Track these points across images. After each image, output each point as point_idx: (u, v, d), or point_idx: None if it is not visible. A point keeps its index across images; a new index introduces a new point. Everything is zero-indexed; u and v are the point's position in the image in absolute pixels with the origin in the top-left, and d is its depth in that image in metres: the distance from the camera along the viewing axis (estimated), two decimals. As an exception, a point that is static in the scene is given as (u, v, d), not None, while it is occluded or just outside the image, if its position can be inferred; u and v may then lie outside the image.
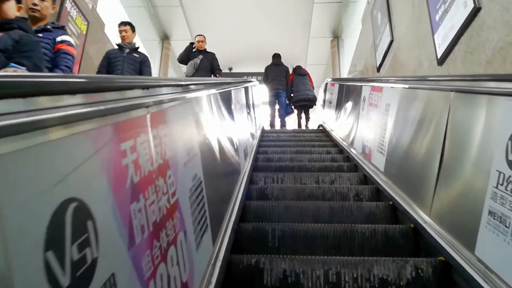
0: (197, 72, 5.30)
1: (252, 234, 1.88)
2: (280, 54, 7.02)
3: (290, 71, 7.01)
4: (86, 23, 4.72)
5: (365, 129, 3.21)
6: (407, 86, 2.31)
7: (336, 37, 9.06)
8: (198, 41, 5.64)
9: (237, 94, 3.16)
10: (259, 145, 4.24)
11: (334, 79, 5.79)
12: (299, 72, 6.91)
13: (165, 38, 8.90)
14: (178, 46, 9.09)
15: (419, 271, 1.49)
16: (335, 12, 8.13)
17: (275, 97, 6.83)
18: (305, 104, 6.76)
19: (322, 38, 9.16)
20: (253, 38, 9.24)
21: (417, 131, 2.00)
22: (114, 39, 5.95)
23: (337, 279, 1.48)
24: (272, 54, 7.02)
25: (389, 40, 3.98)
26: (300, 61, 10.44)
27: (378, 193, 2.53)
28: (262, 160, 3.52)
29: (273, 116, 6.95)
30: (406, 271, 1.49)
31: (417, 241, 1.83)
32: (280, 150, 4.00)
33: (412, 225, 1.87)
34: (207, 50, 5.64)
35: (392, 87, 2.61)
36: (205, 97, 1.72)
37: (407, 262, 1.51)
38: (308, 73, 6.96)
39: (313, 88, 6.90)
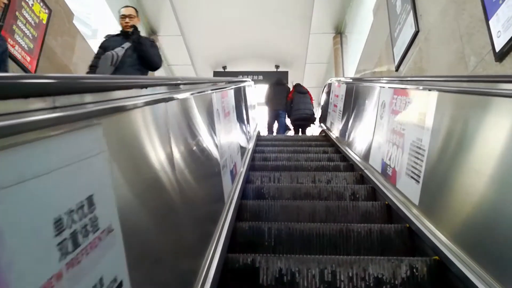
0: (118, 70, 2.99)
1: (248, 233, 1.86)
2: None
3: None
4: (47, 11, 3.95)
5: (386, 143, 2.49)
6: (458, 89, 1.61)
7: (339, 33, 8.37)
8: (123, 16, 3.18)
9: (223, 99, 2.43)
10: (254, 151, 3.83)
11: (341, 79, 5.06)
12: (300, 90, 6.76)
13: (152, 33, 8.16)
14: (167, 42, 8.38)
15: (414, 270, 1.47)
16: (339, 5, 7.50)
17: (275, 118, 6.74)
18: (304, 123, 6.67)
19: (323, 34, 8.51)
20: (249, 34, 8.63)
21: (479, 156, 1.32)
22: (84, 31, 5.22)
23: (333, 278, 1.47)
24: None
25: (413, 32, 3.24)
26: (299, 59, 9.80)
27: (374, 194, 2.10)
28: (259, 159, 3.52)
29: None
30: (401, 270, 1.48)
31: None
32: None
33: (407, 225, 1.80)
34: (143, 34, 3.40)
35: (430, 89, 1.90)
36: (148, 109, 0.99)
37: (402, 261, 1.50)
38: (308, 92, 6.83)
39: (313, 106, 6.87)
